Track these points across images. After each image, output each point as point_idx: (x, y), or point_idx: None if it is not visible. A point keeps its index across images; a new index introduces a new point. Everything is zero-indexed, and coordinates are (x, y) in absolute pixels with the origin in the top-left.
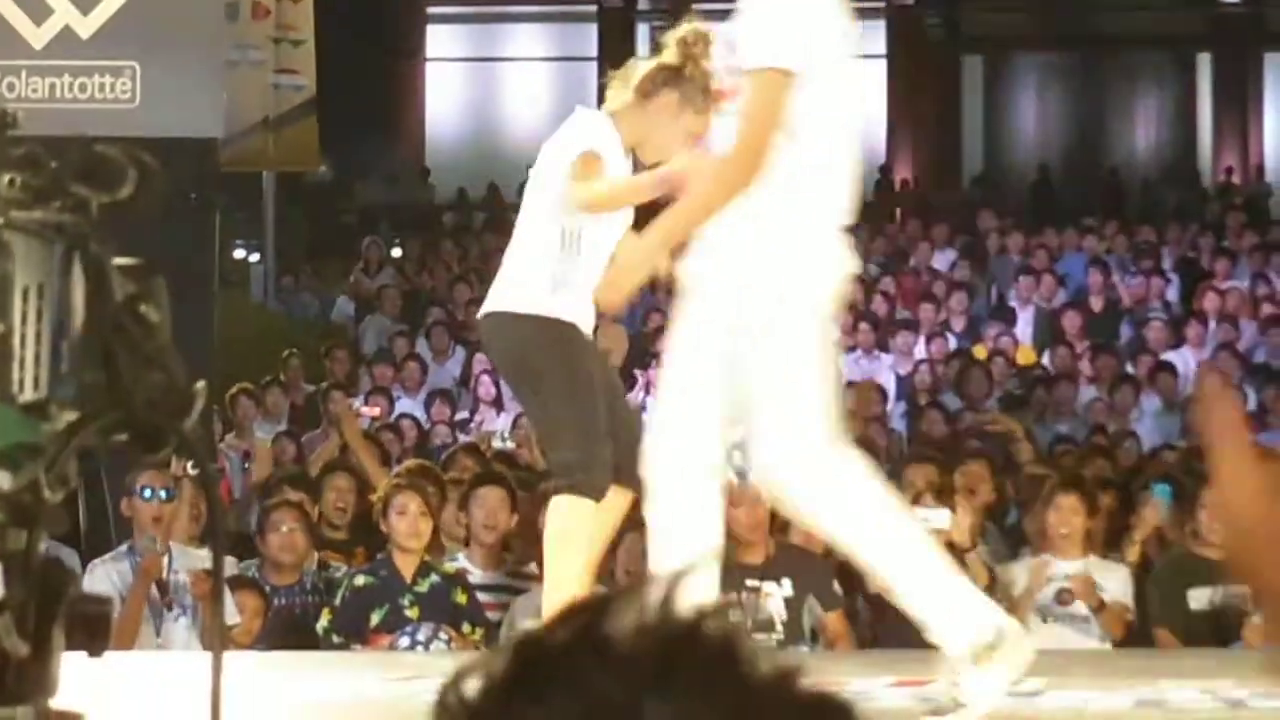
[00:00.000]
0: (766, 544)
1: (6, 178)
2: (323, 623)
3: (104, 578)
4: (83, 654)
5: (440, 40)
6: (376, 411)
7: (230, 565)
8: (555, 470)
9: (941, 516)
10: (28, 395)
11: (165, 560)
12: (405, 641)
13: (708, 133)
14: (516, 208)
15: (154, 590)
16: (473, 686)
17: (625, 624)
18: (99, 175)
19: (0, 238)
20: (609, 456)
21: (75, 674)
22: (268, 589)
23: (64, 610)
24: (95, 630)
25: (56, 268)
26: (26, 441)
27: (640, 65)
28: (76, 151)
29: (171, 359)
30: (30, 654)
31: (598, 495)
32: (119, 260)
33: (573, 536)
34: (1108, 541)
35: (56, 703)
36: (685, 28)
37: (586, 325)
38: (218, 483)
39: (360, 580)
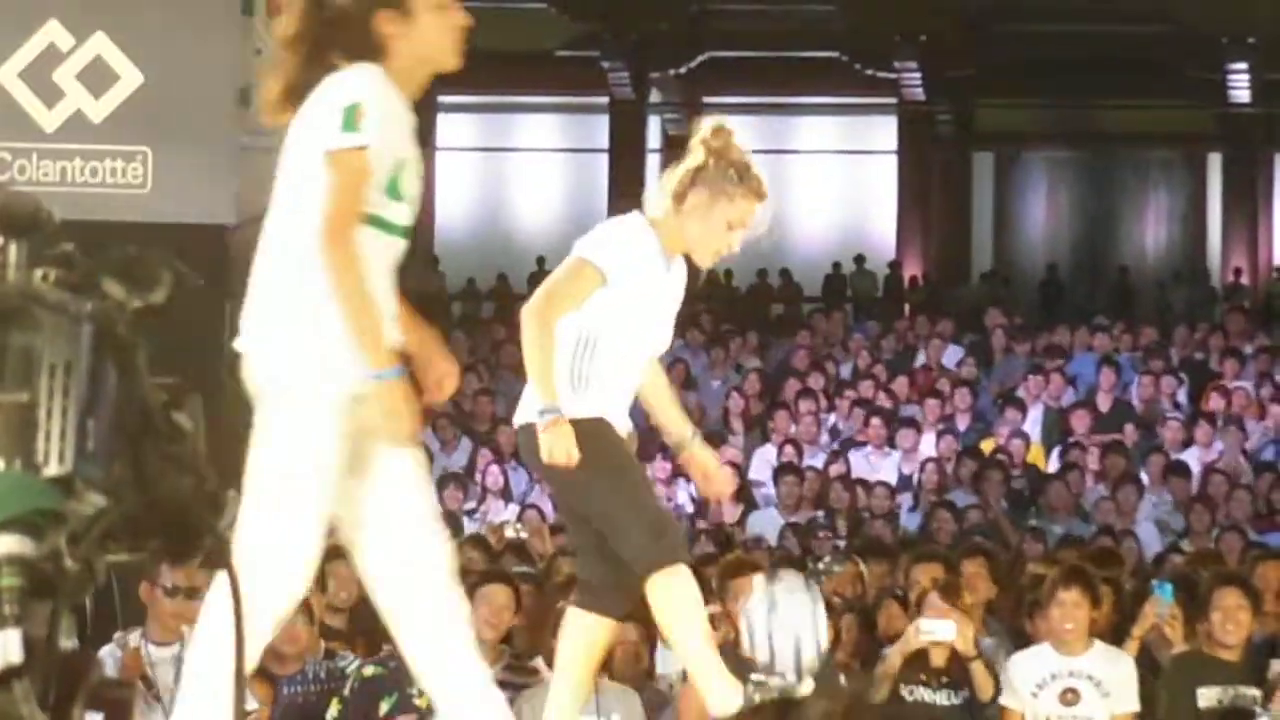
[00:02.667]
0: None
1: (40, 272)
2: (332, 713)
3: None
4: None
5: (451, 129)
6: None
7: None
8: (636, 557)
9: (947, 629)
10: (52, 469)
11: (176, 649)
12: None
13: (750, 220)
14: (525, 298)
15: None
16: None
17: None
18: (135, 277)
19: (30, 313)
20: (675, 524)
21: None
22: (275, 680)
23: (86, 692)
24: (117, 713)
25: (86, 348)
26: (49, 509)
27: (673, 172)
28: (112, 251)
29: (203, 465)
30: None
31: (685, 558)
32: (160, 379)
33: (688, 601)
34: (1113, 640)
35: None
36: (705, 125)
37: (617, 422)
38: (239, 591)
39: (369, 670)
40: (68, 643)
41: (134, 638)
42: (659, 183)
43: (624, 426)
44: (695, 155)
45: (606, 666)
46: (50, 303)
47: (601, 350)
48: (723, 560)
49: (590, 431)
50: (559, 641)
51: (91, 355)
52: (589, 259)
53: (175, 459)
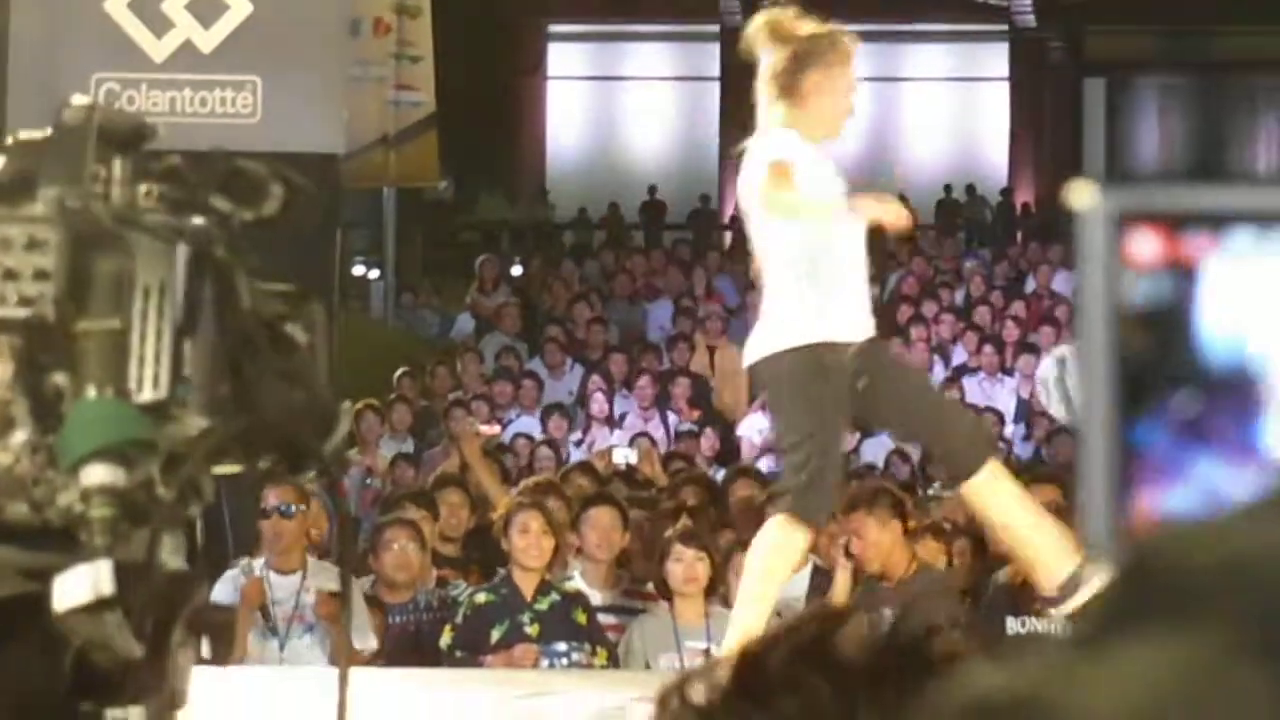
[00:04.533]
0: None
1: (144, 188)
2: (445, 640)
3: (221, 594)
4: (206, 662)
5: (562, 58)
6: (496, 430)
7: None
8: (779, 493)
9: None
10: (146, 395)
11: (299, 577)
12: (544, 661)
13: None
14: (636, 226)
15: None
16: (697, 691)
17: (848, 637)
18: (240, 190)
19: (123, 238)
20: (832, 490)
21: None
22: (385, 607)
23: (187, 617)
24: (219, 638)
25: (181, 269)
26: (141, 438)
27: (764, 82)
28: (218, 165)
29: (316, 379)
30: (146, 657)
31: (811, 524)
32: (275, 285)
33: (779, 557)
34: None
35: (184, 714)
36: (758, 20)
37: (847, 336)
38: (348, 509)
39: (481, 598)
40: (173, 563)
41: (257, 566)
42: (764, 98)
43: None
44: (777, 53)
45: (716, 592)
46: (146, 225)
47: (827, 265)
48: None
49: (799, 367)
50: (749, 555)
51: (187, 277)
52: (773, 158)
53: (285, 373)
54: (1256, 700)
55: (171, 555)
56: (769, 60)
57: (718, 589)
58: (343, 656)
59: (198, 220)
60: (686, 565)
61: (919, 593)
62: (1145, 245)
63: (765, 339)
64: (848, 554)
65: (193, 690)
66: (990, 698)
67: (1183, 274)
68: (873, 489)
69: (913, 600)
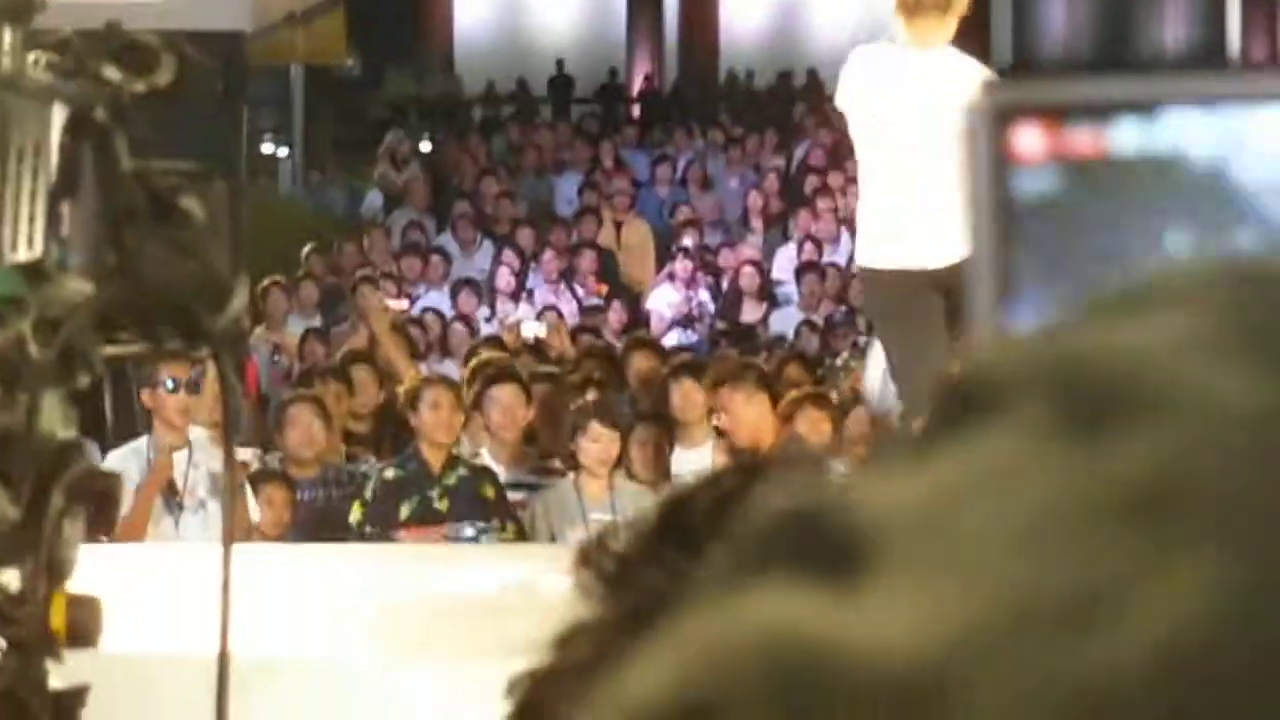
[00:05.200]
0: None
1: (32, 57)
2: (354, 516)
3: (120, 468)
4: (89, 531)
5: None
6: (405, 305)
7: (256, 459)
8: (907, 407)
9: None
10: (20, 254)
11: (185, 454)
12: (461, 535)
13: None
14: (544, 101)
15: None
16: (619, 542)
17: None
18: (131, 60)
19: (1, 102)
20: None
21: (92, 563)
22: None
23: (67, 482)
24: (102, 506)
25: (58, 131)
26: (10, 295)
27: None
28: (108, 36)
29: (213, 251)
30: (22, 520)
31: None
32: (176, 164)
33: None
34: None
35: (71, 587)
36: None
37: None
38: (233, 385)
39: (390, 474)
40: (60, 433)
41: (145, 442)
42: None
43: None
44: None
45: (623, 466)
46: (26, 88)
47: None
48: (713, 367)
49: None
50: None
51: (64, 138)
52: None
53: (177, 245)
54: (1057, 482)
55: (59, 424)
56: None
57: (623, 463)
58: (227, 536)
59: (72, 85)
60: (602, 444)
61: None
62: (1029, 139)
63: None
64: (718, 432)
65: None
66: (795, 510)
67: (1070, 167)
68: (739, 364)
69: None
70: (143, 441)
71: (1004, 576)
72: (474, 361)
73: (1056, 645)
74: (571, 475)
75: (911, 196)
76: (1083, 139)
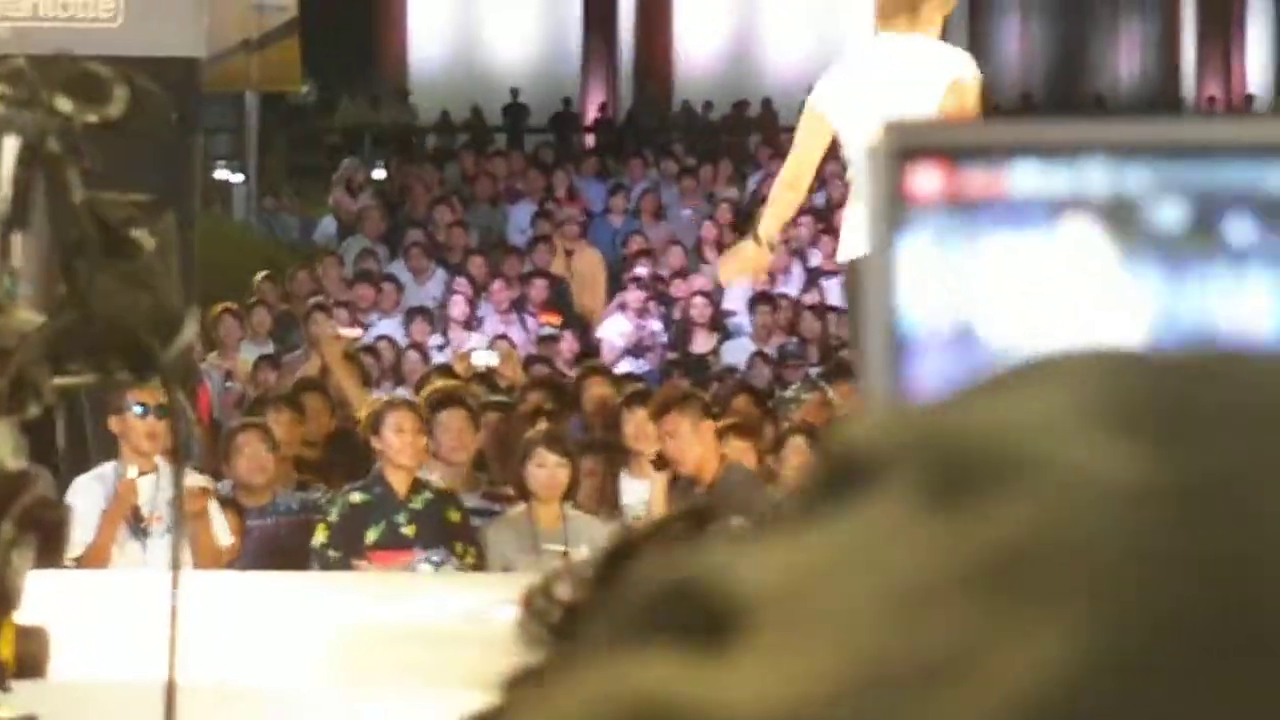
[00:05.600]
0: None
1: None
2: (318, 539)
3: (86, 494)
4: (38, 560)
5: None
6: (358, 333)
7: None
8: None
9: None
10: None
11: (152, 480)
12: (425, 569)
13: None
14: (499, 129)
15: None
16: (564, 589)
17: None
18: (84, 91)
19: None
20: None
21: (43, 591)
22: (243, 511)
23: (17, 513)
24: (50, 537)
25: (10, 161)
26: None
27: None
28: (61, 66)
29: (162, 282)
30: None
31: None
32: (129, 196)
33: None
34: None
35: (19, 618)
36: None
37: None
38: (182, 414)
39: (356, 497)
40: (11, 463)
41: (110, 468)
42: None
43: None
44: None
45: (572, 496)
46: None
47: None
48: (657, 395)
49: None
50: None
51: (16, 168)
52: (975, 73)
53: (127, 276)
54: (922, 551)
55: (9, 454)
56: None
57: (574, 492)
58: (175, 563)
59: (24, 114)
60: (549, 470)
61: (727, 489)
62: (927, 180)
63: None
64: (659, 463)
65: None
66: (675, 579)
67: (964, 209)
68: (685, 392)
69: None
70: (108, 467)
71: (864, 642)
72: (425, 390)
73: (906, 705)
74: (524, 505)
75: None
76: (979, 181)
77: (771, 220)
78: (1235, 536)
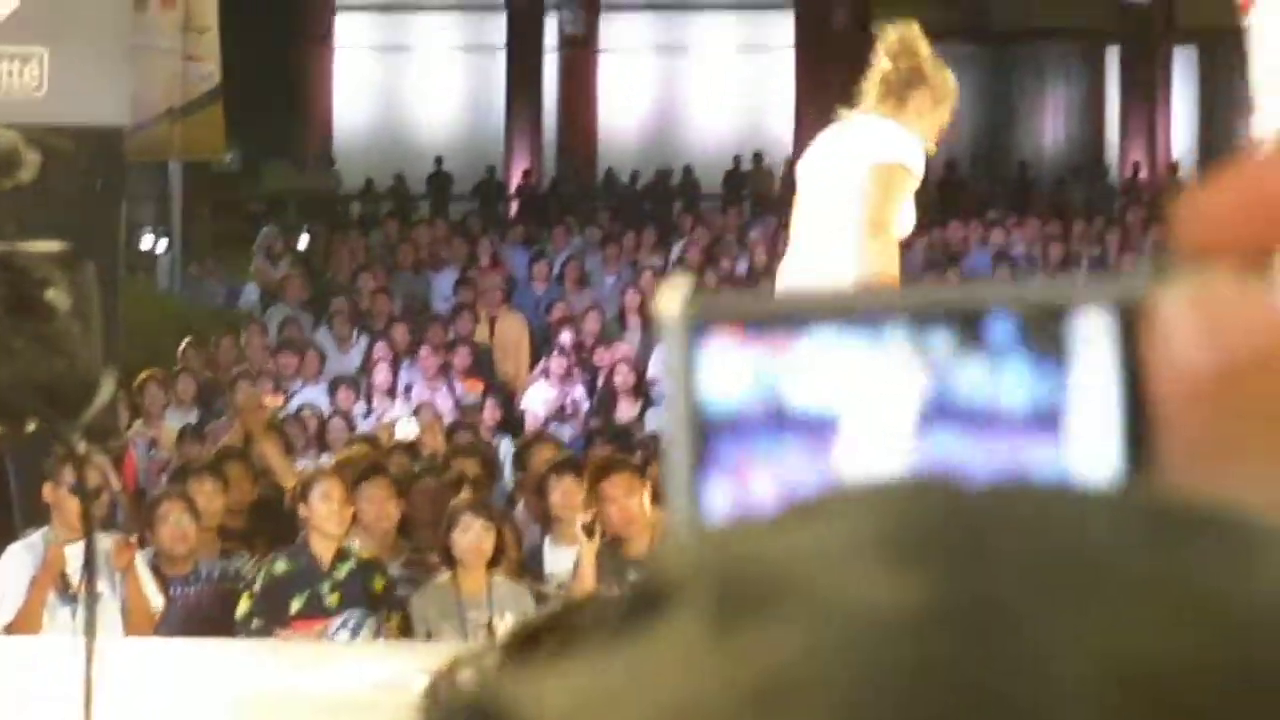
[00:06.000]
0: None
1: None
2: (242, 609)
3: (16, 562)
4: None
5: (349, 28)
6: (280, 401)
7: (139, 559)
8: None
9: None
10: None
11: (80, 546)
12: (342, 635)
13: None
14: (423, 197)
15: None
16: (466, 677)
17: None
18: None
19: None
20: None
21: None
22: (165, 579)
23: None
24: None
25: None
26: None
27: (877, 73)
28: None
29: (78, 346)
30: None
31: None
32: (40, 245)
33: None
34: None
35: None
36: (895, 34)
37: None
38: (102, 481)
39: (280, 566)
40: None
41: (40, 536)
42: (866, 86)
43: None
44: (900, 59)
45: (497, 564)
46: None
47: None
48: (592, 462)
49: None
50: None
51: None
52: (902, 162)
53: (41, 339)
54: (696, 677)
55: None
56: (887, 65)
57: (499, 559)
58: (89, 633)
59: None
60: (474, 535)
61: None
62: (724, 348)
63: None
64: (589, 531)
65: None
66: (464, 704)
67: (761, 376)
68: (616, 457)
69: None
70: (37, 535)
71: None
72: (337, 457)
73: None
74: (449, 572)
75: (812, 241)
76: (776, 349)
77: None
78: (1004, 666)
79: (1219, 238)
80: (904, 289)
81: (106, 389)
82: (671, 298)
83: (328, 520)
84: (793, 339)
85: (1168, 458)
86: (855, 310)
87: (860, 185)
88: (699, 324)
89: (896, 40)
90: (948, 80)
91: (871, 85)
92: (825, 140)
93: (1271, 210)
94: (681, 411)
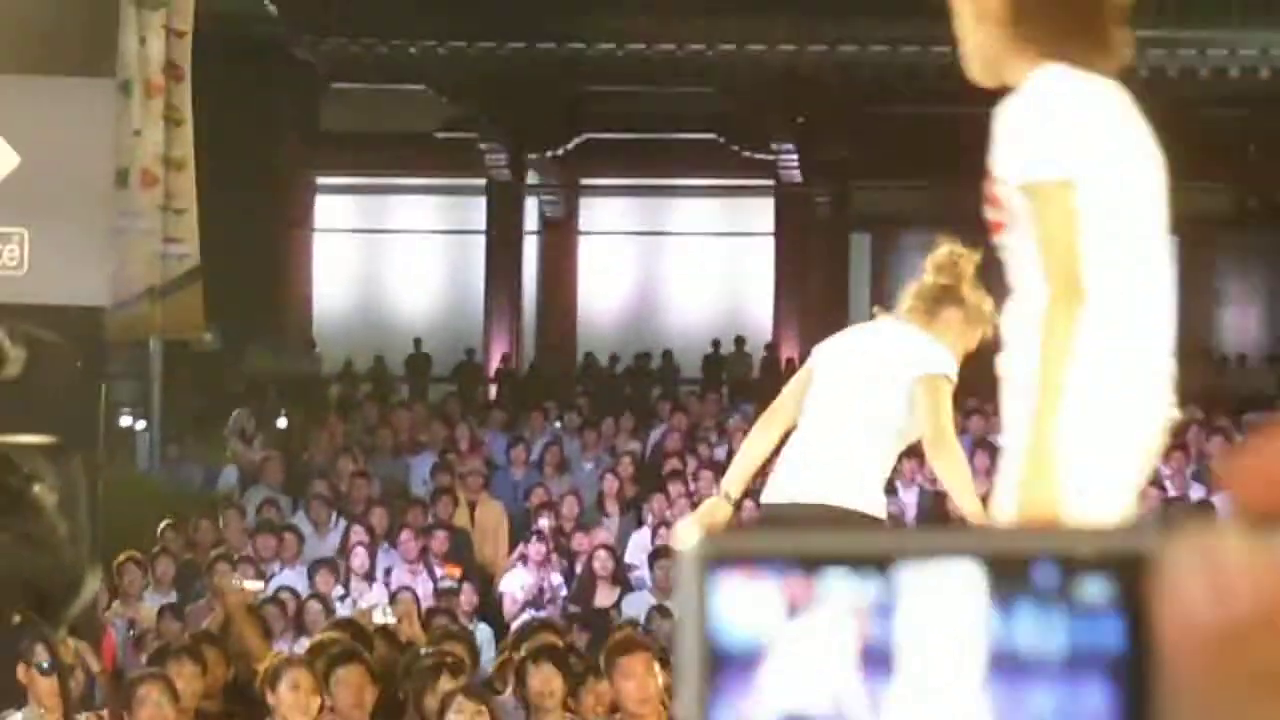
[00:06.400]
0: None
1: None
2: None
3: None
4: None
5: (329, 210)
6: (260, 585)
7: None
8: None
9: None
10: None
11: None
12: None
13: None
14: (401, 379)
15: None
16: None
17: None
18: None
19: None
20: None
21: None
22: None
23: None
24: None
25: None
26: None
27: (917, 282)
28: None
29: (64, 543)
30: None
31: None
32: (27, 439)
33: None
34: None
35: None
36: (946, 249)
37: None
38: (67, 677)
39: None
40: None
41: (21, 716)
42: (910, 291)
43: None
44: (942, 274)
45: None
46: None
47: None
48: (611, 640)
49: None
50: None
51: None
52: (948, 373)
53: (28, 537)
54: None
55: None
56: (928, 277)
57: None
58: None
59: None
60: (466, 716)
61: None
62: (737, 587)
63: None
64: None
65: None
66: None
67: (776, 615)
68: (635, 637)
69: None
70: (16, 716)
71: None
72: (312, 642)
73: None
74: None
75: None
76: (791, 589)
77: (735, 470)
78: None
79: (1264, 495)
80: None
81: (91, 587)
82: (689, 533)
83: (295, 708)
84: (808, 582)
85: (1173, 712)
86: (873, 555)
87: (903, 393)
88: (713, 560)
89: (944, 254)
90: (983, 304)
91: (909, 293)
92: (855, 336)
93: None
94: (694, 647)
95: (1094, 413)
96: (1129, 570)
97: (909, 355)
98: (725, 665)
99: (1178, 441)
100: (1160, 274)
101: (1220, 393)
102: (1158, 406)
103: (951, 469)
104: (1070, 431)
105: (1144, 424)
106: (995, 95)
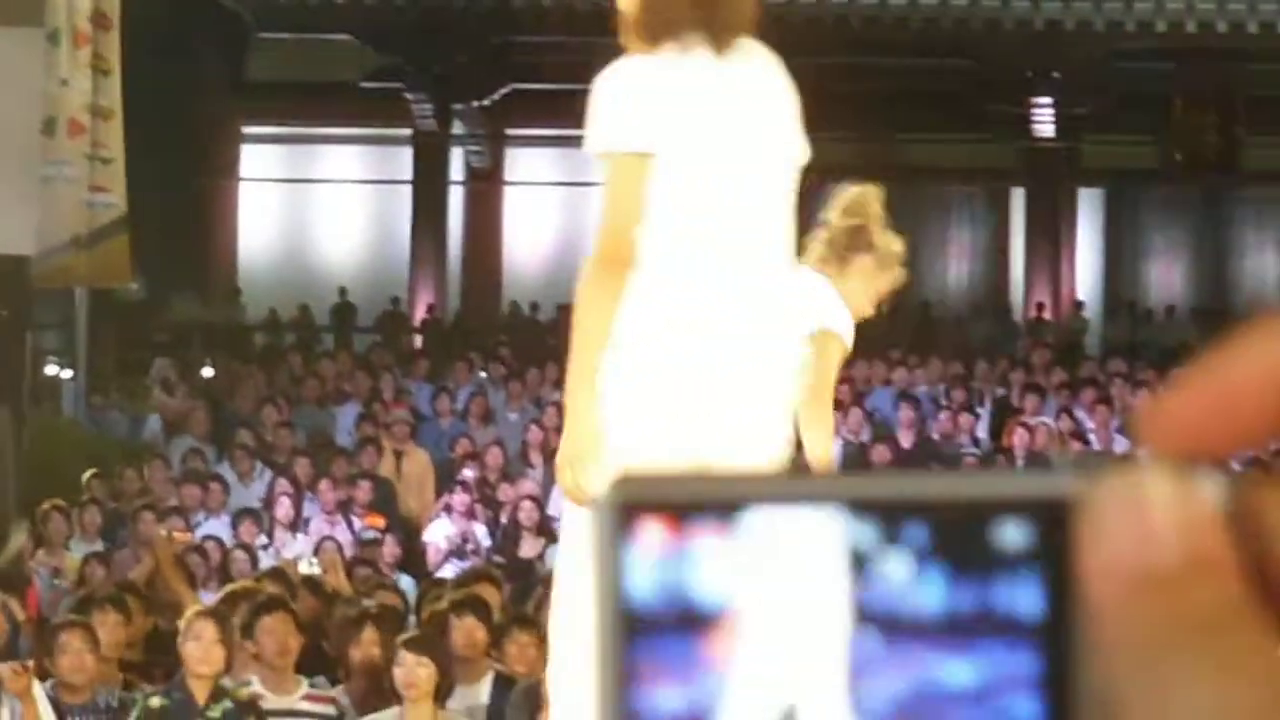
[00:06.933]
0: None
1: None
2: None
3: None
4: None
5: (254, 160)
6: (187, 536)
7: (36, 685)
8: None
9: None
10: None
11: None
12: None
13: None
14: (326, 329)
15: None
16: None
17: None
18: None
19: None
20: None
21: None
22: (63, 708)
23: None
24: None
25: None
26: None
27: (824, 229)
28: None
29: None
30: None
31: None
32: None
33: None
34: None
35: None
36: (854, 192)
37: None
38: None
39: (155, 702)
40: None
41: None
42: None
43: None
44: (851, 217)
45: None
46: None
47: None
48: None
49: None
50: None
51: None
52: (843, 337)
53: None
54: None
55: None
56: (834, 221)
57: (448, 692)
58: None
59: None
60: (407, 670)
61: None
62: (651, 534)
63: None
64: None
65: None
66: None
67: (688, 560)
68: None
69: None
70: None
71: None
72: (225, 591)
73: None
74: (397, 707)
75: None
76: (707, 534)
77: None
78: None
79: (1185, 441)
80: (837, 476)
81: (17, 540)
82: (603, 481)
83: (201, 661)
84: (724, 526)
85: (1097, 659)
86: (788, 497)
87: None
88: (627, 509)
89: (850, 197)
90: (892, 246)
91: (817, 242)
92: None
93: (1236, 414)
94: (608, 601)
95: (632, 356)
96: (1047, 517)
97: (810, 307)
98: (639, 620)
99: (1101, 395)
100: (732, 245)
101: (1146, 347)
102: (706, 359)
103: (821, 438)
104: (609, 371)
105: (687, 374)
106: (923, 47)
